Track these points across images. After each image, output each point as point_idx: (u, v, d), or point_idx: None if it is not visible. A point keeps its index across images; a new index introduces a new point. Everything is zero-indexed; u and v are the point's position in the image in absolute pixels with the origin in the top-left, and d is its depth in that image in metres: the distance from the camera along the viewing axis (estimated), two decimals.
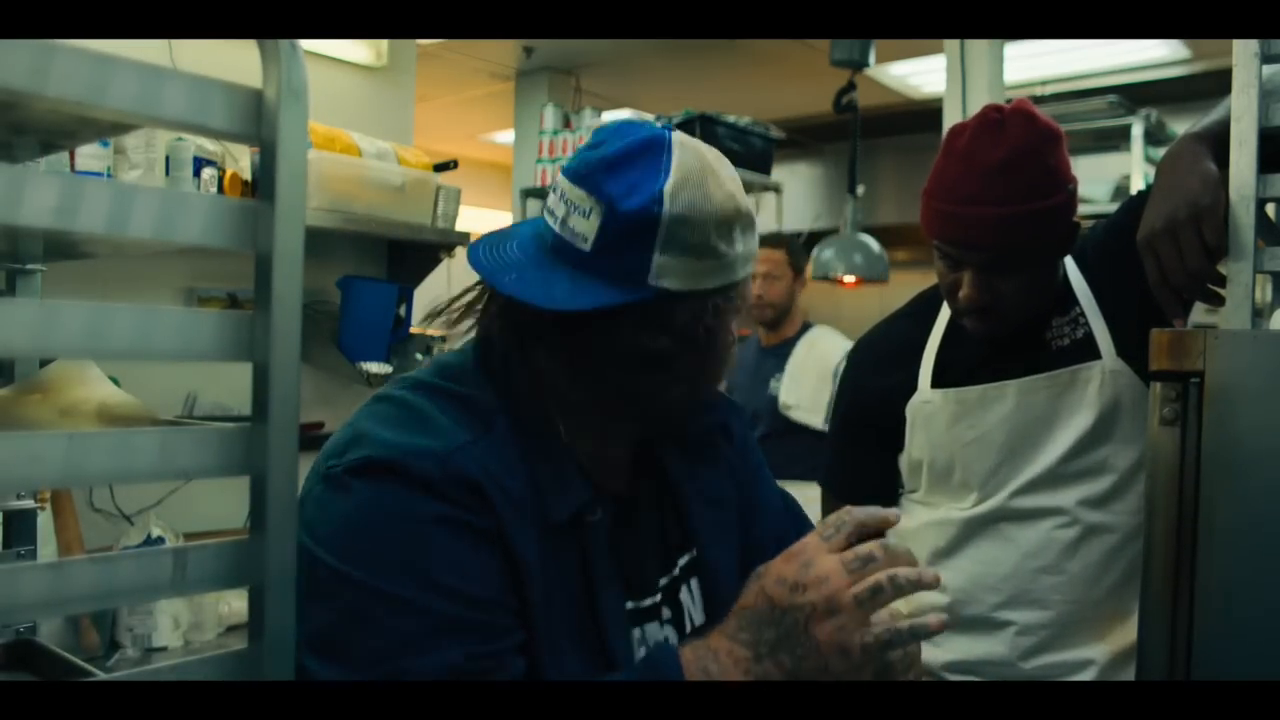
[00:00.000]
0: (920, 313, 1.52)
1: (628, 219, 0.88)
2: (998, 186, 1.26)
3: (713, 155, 0.94)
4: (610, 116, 4.99)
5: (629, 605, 0.98)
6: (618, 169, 0.90)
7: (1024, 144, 1.27)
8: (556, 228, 0.93)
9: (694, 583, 1.06)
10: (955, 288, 1.35)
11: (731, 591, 0.99)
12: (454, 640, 0.83)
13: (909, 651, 0.94)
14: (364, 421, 0.92)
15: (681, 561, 1.05)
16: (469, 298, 1.02)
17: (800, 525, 1.19)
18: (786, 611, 0.82)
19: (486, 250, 0.97)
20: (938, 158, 1.36)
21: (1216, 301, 1.10)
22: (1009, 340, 1.41)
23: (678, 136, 0.94)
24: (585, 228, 0.91)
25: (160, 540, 1.94)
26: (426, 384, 0.96)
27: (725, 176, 0.94)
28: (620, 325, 0.92)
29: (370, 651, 0.81)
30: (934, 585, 0.84)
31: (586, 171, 0.92)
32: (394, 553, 0.84)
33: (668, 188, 0.89)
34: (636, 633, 0.98)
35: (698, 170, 0.91)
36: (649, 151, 0.91)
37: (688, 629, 1.03)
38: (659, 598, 1.02)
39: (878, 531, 0.87)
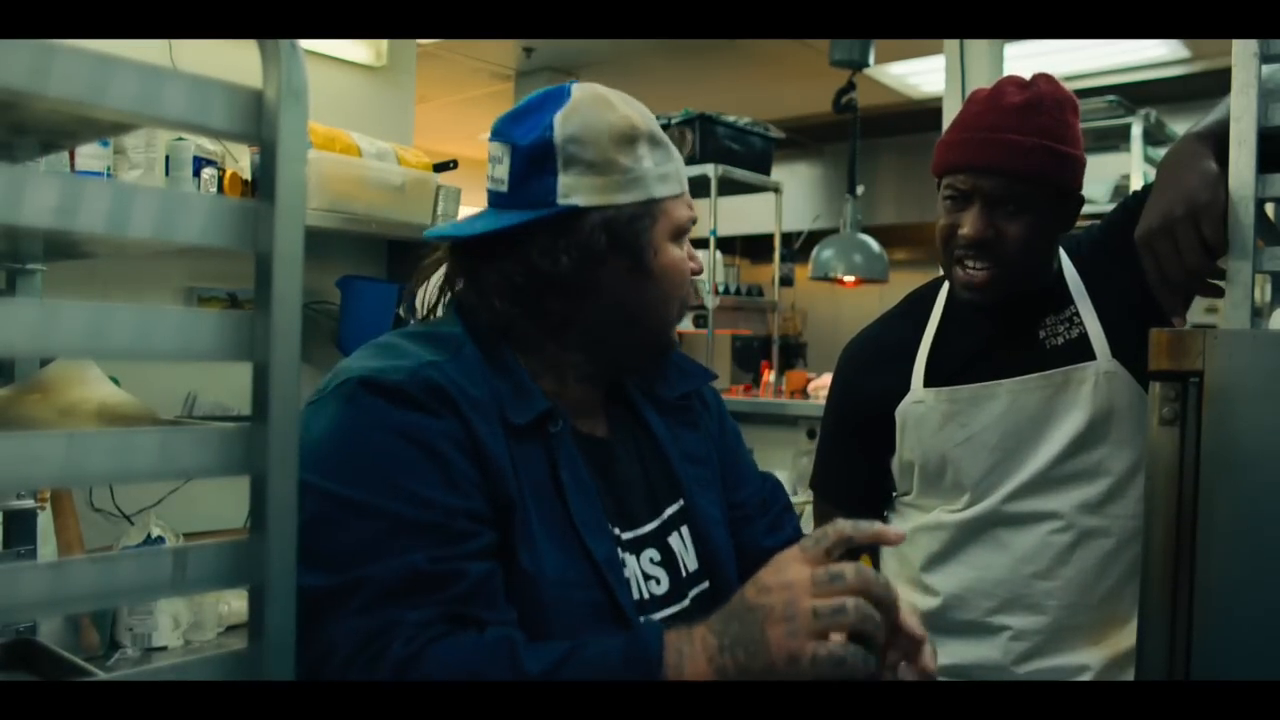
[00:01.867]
0: (913, 312, 1.51)
1: (528, 151, 1.00)
2: (1020, 119, 1.30)
3: (614, 93, 1.05)
4: None
5: (614, 530, 1.03)
6: (520, 116, 1.03)
7: (1046, 93, 1.32)
8: (488, 185, 1.05)
9: (685, 530, 1.11)
10: (955, 231, 1.34)
11: (722, 541, 1.10)
12: (415, 543, 0.87)
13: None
14: (345, 361, 1.00)
15: (670, 510, 1.11)
16: (437, 271, 1.12)
17: (778, 493, 1.28)
18: (751, 610, 0.83)
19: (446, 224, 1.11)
20: (955, 118, 1.39)
21: (1215, 294, 1.11)
22: (1002, 339, 1.40)
23: (579, 85, 1.05)
24: (501, 172, 1.03)
25: (160, 540, 1.93)
26: (404, 331, 1.06)
27: (621, 103, 1.04)
28: (535, 246, 1.00)
29: (336, 555, 0.85)
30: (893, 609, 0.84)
31: (499, 126, 1.05)
32: (358, 460, 0.90)
33: (558, 116, 1.00)
34: (625, 557, 1.03)
35: (590, 99, 1.03)
36: (548, 99, 1.04)
37: (682, 574, 1.08)
38: (646, 533, 1.07)
39: (870, 546, 0.87)
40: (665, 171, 1.04)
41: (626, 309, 1.04)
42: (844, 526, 0.86)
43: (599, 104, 1.02)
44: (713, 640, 0.84)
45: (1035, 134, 1.30)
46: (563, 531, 0.97)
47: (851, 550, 0.87)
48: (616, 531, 1.03)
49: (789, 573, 0.83)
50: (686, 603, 1.07)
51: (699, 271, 1.10)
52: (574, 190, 1.00)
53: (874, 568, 0.91)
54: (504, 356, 1.02)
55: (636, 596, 1.02)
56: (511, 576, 0.92)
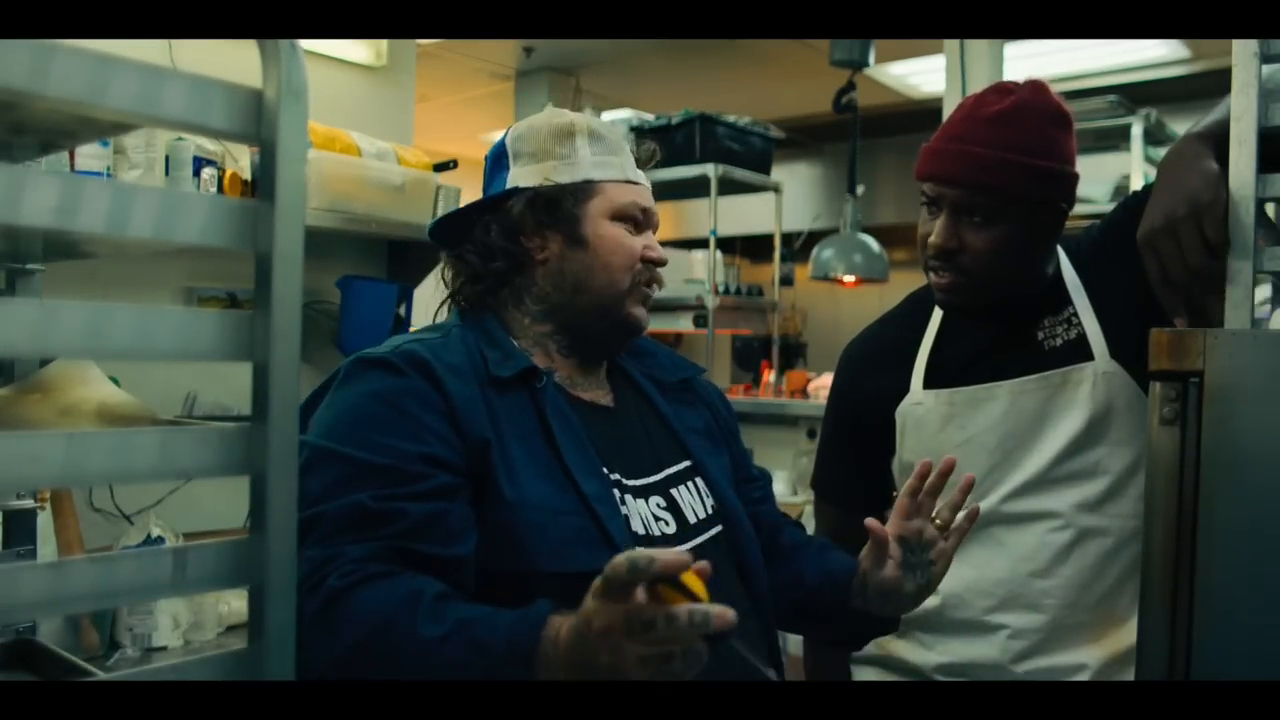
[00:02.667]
0: (912, 314, 1.51)
1: (490, 158, 1.23)
2: (988, 131, 1.30)
3: (576, 113, 1.22)
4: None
5: (613, 476, 1.12)
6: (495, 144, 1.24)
7: (1028, 102, 1.30)
8: None
9: (693, 484, 1.21)
10: (928, 238, 1.35)
11: (729, 496, 1.24)
12: (368, 484, 0.99)
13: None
14: None
15: (675, 468, 1.21)
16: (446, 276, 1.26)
17: (766, 483, 1.39)
18: (584, 640, 0.83)
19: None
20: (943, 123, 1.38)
21: (1217, 298, 1.10)
22: (1001, 340, 1.40)
23: None
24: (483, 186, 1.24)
25: (160, 540, 1.93)
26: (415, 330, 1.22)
27: (571, 113, 1.21)
28: (478, 225, 1.20)
29: (306, 495, 0.93)
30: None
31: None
32: (339, 419, 1.05)
33: (512, 127, 1.22)
34: (626, 499, 1.12)
35: (543, 113, 1.22)
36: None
37: (689, 521, 1.18)
38: (649, 483, 1.17)
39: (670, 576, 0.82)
40: (605, 160, 1.19)
41: (568, 275, 1.18)
42: (618, 564, 0.79)
43: (549, 114, 1.21)
44: (568, 649, 0.85)
45: (1001, 147, 1.28)
46: (552, 471, 1.07)
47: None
48: (616, 476, 1.12)
49: (603, 617, 0.81)
50: (695, 544, 1.14)
51: (659, 262, 1.20)
52: (518, 178, 1.18)
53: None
54: (493, 332, 1.16)
55: (643, 533, 1.10)
56: (495, 508, 1.02)
